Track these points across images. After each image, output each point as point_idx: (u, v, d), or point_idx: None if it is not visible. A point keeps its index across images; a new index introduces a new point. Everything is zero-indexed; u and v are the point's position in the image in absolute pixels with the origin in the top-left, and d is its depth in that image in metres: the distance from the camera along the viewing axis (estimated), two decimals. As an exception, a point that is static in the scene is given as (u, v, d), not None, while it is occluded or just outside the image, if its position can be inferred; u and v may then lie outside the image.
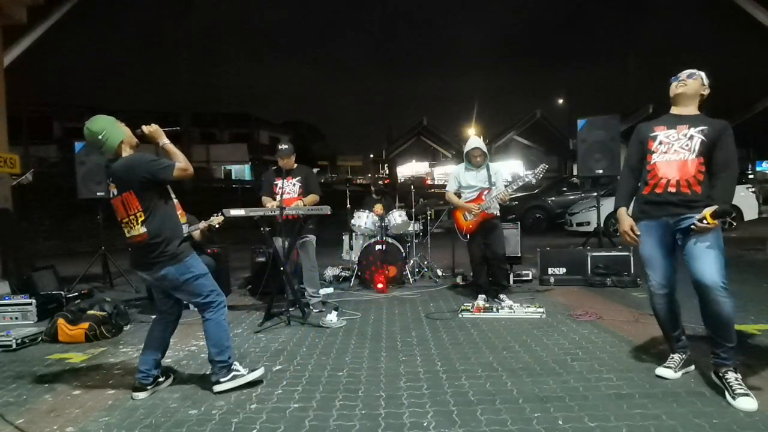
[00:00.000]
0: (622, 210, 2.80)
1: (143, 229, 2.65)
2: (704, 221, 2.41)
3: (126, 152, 2.72)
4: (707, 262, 2.44)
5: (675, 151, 2.62)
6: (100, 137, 2.65)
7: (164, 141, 2.78)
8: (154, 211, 2.67)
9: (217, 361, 2.76)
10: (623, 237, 2.76)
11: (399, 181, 23.76)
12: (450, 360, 3.19)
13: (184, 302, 2.99)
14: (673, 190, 2.59)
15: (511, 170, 20.49)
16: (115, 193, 2.71)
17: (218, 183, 26.12)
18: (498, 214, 4.90)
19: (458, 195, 5.00)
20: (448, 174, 6.23)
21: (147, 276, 2.75)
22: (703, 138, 2.56)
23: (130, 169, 2.65)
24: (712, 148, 2.55)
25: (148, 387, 2.78)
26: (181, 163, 2.67)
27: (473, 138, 5.20)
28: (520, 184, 4.87)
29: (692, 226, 2.47)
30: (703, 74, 2.69)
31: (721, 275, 2.42)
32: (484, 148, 4.93)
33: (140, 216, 2.66)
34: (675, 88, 2.70)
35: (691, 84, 2.66)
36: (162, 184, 2.72)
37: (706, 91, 2.71)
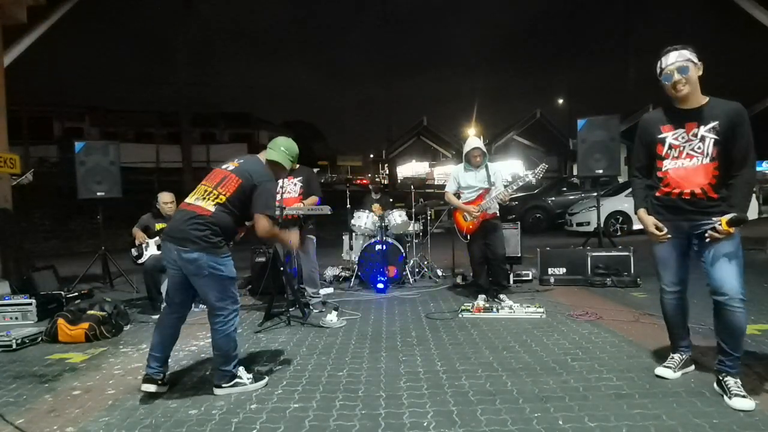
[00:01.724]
0: (642, 212, 2.72)
1: (212, 209, 2.71)
2: (719, 226, 2.37)
3: (269, 170, 2.95)
4: (727, 272, 2.41)
5: (687, 155, 2.50)
6: (290, 158, 3.06)
7: (281, 234, 3.23)
8: (233, 209, 2.75)
9: (221, 369, 2.75)
10: (650, 236, 2.67)
11: (398, 181, 23.75)
12: (450, 360, 3.19)
13: (193, 302, 2.96)
14: (688, 198, 2.51)
15: (511, 170, 20.49)
16: (230, 168, 2.85)
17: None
18: (498, 214, 4.91)
19: (458, 196, 5.01)
20: (448, 174, 6.24)
21: (175, 251, 2.68)
22: (716, 137, 2.41)
23: (258, 174, 2.83)
24: (726, 143, 2.41)
25: (159, 381, 2.77)
26: (267, 226, 2.79)
27: (472, 138, 5.21)
28: (520, 184, 4.87)
29: (707, 234, 2.42)
30: (687, 52, 2.44)
31: (741, 286, 2.40)
32: (484, 148, 4.93)
33: (221, 198, 2.73)
34: (676, 91, 2.45)
35: (690, 76, 2.42)
36: (249, 207, 2.80)
37: (702, 68, 2.46)
